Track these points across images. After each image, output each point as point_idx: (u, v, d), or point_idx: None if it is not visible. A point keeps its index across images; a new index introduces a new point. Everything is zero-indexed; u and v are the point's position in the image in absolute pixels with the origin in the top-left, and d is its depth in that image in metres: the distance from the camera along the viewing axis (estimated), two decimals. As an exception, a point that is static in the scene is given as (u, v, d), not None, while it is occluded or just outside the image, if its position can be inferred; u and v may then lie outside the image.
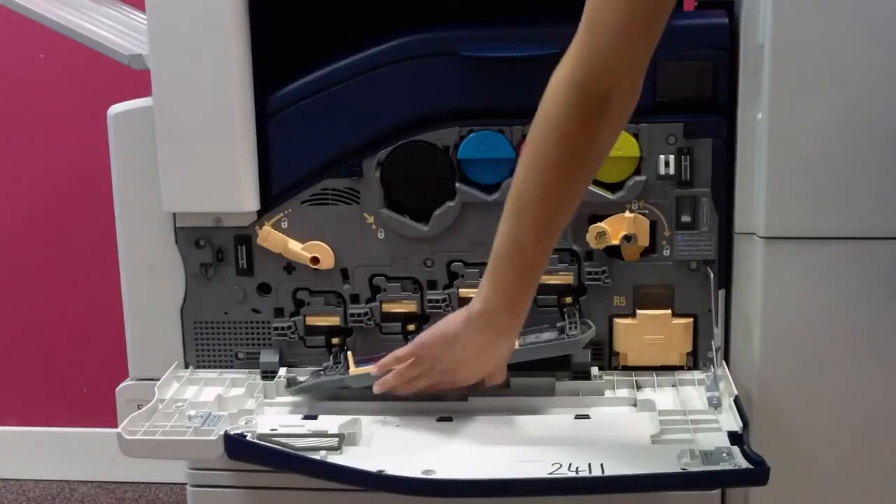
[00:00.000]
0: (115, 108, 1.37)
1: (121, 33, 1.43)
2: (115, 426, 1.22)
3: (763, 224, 1.28)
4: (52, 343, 2.26)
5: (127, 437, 1.19)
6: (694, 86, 1.30)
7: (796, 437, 1.32)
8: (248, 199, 1.34)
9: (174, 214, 1.37)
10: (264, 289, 1.39)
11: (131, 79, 1.39)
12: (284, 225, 1.36)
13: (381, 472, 1.15)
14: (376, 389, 1.27)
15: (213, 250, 1.38)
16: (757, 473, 1.11)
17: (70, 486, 2.27)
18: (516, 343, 1.26)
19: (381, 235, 1.36)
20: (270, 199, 1.36)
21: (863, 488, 1.33)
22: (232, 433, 1.20)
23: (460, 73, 1.29)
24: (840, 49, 1.23)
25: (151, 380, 1.35)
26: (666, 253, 1.33)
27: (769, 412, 1.31)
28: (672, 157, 1.30)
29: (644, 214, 1.32)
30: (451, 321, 1.21)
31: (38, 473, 2.31)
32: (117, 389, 1.41)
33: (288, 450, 1.19)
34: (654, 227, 1.32)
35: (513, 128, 1.31)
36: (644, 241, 1.32)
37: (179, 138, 1.32)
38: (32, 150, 2.17)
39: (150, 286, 1.40)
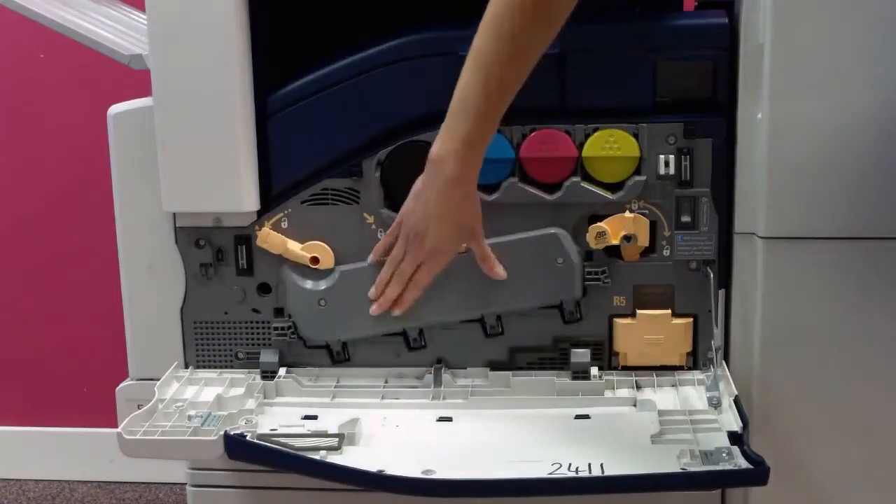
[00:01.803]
0: (115, 108, 1.37)
1: (121, 33, 1.43)
2: (115, 426, 1.22)
3: (763, 224, 1.28)
4: (52, 343, 2.26)
5: (127, 437, 1.20)
6: (694, 86, 1.30)
7: (796, 437, 1.32)
8: (248, 199, 1.34)
9: (174, 214, 1.37)
10: (264, 289, 1.39)
11: (131, 79, 1.40)
12: (284, 225, 1.36)
13: (381, 472, 1.15)
14: (374, 311, 1.33)
15: (213, 250, 1.38)
16: (757, 473, 1.11)
17: (70, 486, 2.27)
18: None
19: (381, 235, 1.36)
20: (270, 199, 1.36)
21: (863, 488, 1.33)
22: (232, 433, 1.20)
23: (460, 73, 1.29)
24: (840, 49, 1.23)
25: (151, 380, 1.35)
26: (666, 253, 1.33)
27: (769, 412, 1.31)
28: (672, 157, 1.30)
29: (644, 214, 1.32)
30: (416, 182, 1.25)
31: (38, 473, 2.31)
32: (117, 389, 1.41)
33: (288, 450, 1.19)
34: (654, 227, 1.32)
35: (512, 127, 1.31)
36: (644, 241, 1.32)
37: (179, 138, 1.32)
38: (32, 150, 2.17)
39: (150, 286, 1.40)
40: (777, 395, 1.31)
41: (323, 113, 1.33)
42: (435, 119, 1.31)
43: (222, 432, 1.19)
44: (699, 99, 1.30)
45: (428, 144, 1.32)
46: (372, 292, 1.33)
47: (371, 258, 1.33)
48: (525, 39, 1.15)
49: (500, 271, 1.31)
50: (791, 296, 1.29)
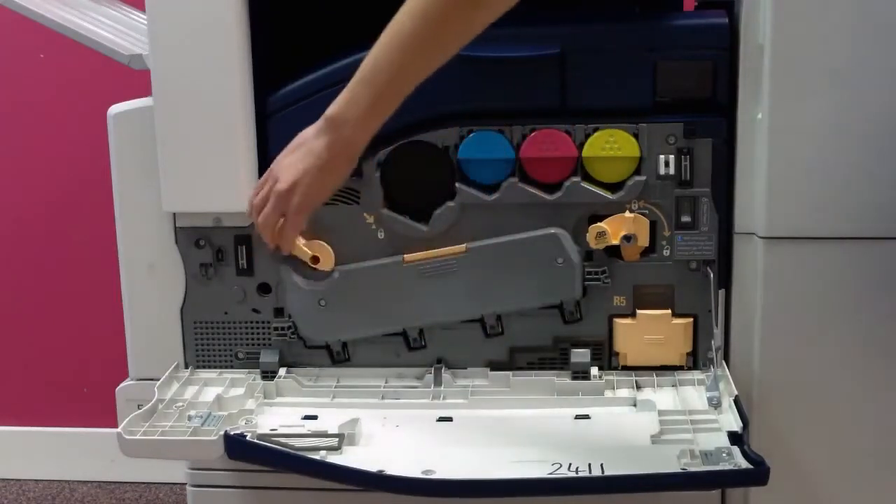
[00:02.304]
0: (115, 108, 1.37)
1: (121, 33, 1.43)
2: (115, 426, 1.22)
3: (763, 224, 1.28)
4: (52, 343, 2.26)
5: (127, 437, 1.20)
6: (694, 86, 1.30)
7: (796, 437, 1.32)
8: (247, 200, 1.34)
9: (174, 214, 1.37)
10: (264, 289, 1.39)
11: (131, 79, 1.40)
12: (284, 225, 1.36)
13: (380, 472, 1.15)
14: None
15: (213, 250, 1.38)
16: (757, 473, 1.11)
17: (70, 486, 2.27)
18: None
19: (381, 235, 1.36)
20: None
21: (862, 488, 1.33)
22: (231, 433, 1.20)
23: (460, 73, 1.29)
24: (840, 49, 1.23)
25: (151, 380, 1.35)
26: (666, 253, 1.33)
27: (769, 412, 1.31)
28: (672, 157, 1.30)
29: (644, 214, 1.32)
30: (298, 136, 1.23)
31: (38, 473, 2.31)
32: (117, 389, 1.41)
33: (288, 450, 1.19)
34: (653, 227, 1.32)
35: (513, 128, 1.31)
36: (644, 241, 1.32)
37: (179, 138, 1.32)
38: (32, 150, 2.17)
39: (150, 286, 1.40)
40: (777, 395, 1.31)
41: (323, 113, 1.33)
42: (435, 119, 1.31)
43: (222, 432, 1.19)
44: (699, 99, 1.30)
45: (428, 144, 1.32)
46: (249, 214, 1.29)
47: (249, 212, 1.28)
48: (450, 28, 1.16)
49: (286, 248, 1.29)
50: (791, 296, 1.29)
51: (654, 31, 1.30)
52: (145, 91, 1.33)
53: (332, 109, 1.20)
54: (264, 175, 1.26)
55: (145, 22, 1.31)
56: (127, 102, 1.37)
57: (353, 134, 1.19)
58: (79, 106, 2.12)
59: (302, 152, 1.21)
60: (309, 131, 1.22)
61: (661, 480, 1.13)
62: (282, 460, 1.20)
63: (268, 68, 1.34)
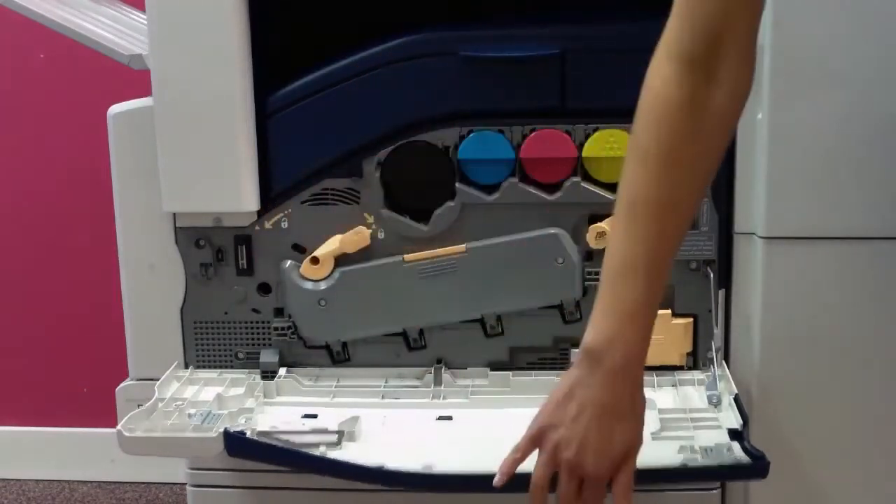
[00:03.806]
0: (115, 108, 1.37)
1: (121, 33, 1.43)
2: (115, 426, 1.22)
3: (763, 224, 1.28)
4: (52, 343, 2.26)
5: (126, 434, 1.20)
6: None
7: (796, 436, 1.32)
8: (248, 199, 1.34)
9: (174, 214, 1.37)
10: (264, 289, 1.39)
11: (131, 79, 1.39)
12: (284, 225, 1.36)
13: (380, 466, 1.15)
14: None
15: (213, 250, 1.38)
16: (757, 467, 1.12)
17: (70, 486, 2.27)
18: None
19: (381, 235, 1.36)
20: (270, 199, 1.36)
21: (862, 487, 1.33)
22: (232, 430, 1.20)
23: (460, 73, 1.29)
24: (840, 49, 1.23)
25: (151, 380, 1.35)
26: (666, 253, 1.33)
27: (769, 412, 1.31)
28: (672, 157, 1.30)
29: (644, 214, 1.32)
30: (563, 375, 0.99)
31: (38, 473, 2.31)
32: (117, 389, 1.41)
33: (287, 446, 1.19)
34: (654, 227, 1.32)
35: (513, 128, 1.31)
36: (644, 241, 1.32)
37: (179, 138, 1.32)
38: (32, 150, 2.17)
39: (150, 286, 1.40)
40: (777, 395, 1.31)
41: (323, 113, 1.33)
42: (435, 119, 1.31)
43: (222, 429, 1.19)
44: (699, 99, 1.29)
45: (428, 144, 1.32)
46: (496, 482, 1.04)
47: (498, 480, 1.03)
48: (683, 173, 0.93)
49: None
50: (791, 296, 1.29)
51: (654, 31, 1.30)
52: (145, 91, 1.33)
53: (588, 337, 0.96)
54: (523, 442, 1.02)
55: (145, 22, 1.31)
56: (127, 102, 1.37)
57: (626, 352, 0.95)
58: (79, 106, 2.12)
59: (574, 404, 0.96)
60: (573, 372, 0.97)
61: (662, 475, 1.13)
62: (281, 456, 1.20)
63: (268, 68, 1.34)
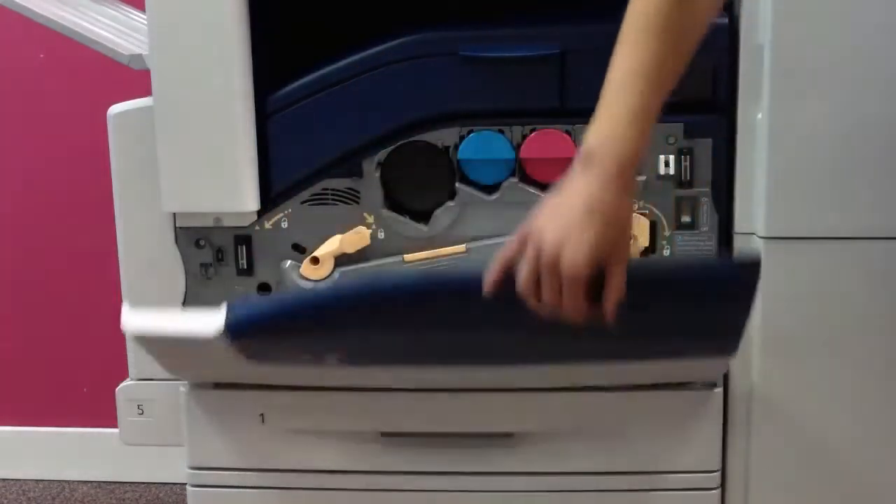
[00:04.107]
0: (115, 108, 1.37)
1: (121, 33, 1.43)
2: (115, 426, 1.22)
3: (763, 224, 1.28)
4: (52, 343, 2.26)
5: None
6: (694, 86, 1.29)
7: (796, 436, 1.32)
8: (248, 199, 1.34)
9: (174, 214, 1.37)
10: (264, 289, 1.39)
11: (131, 79, 1.39)
12: (284, 225, 1.36)
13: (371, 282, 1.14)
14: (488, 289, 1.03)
15: (213, 250, 1.38)
16: (749, 267, 1.08)
17: (70, 486, 2.27)
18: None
19: (381, 235, 1.36)
20: (270, 199, 1.36)
21: (862, 487, 1.33)
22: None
23: (460, 73, 1.29)
24: (840, 49, 1.23)
25: (151, 380, 1.35)
26: (666, 253, 1.33)
27: (769, 412, 1.31)
28: (672, 157, 1.30)
29: (644, 214, 1.32)
30: (551, 193, 1.01)
31: (38, 473, 2.31)
32: (117, 389, 1.41)
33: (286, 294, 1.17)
34: (654, 227, 1.32)
35: (513, 128, 1.31)
36: (644, 241, 1.32)
37: (179, 138, 1.32)
38: (32, 150, 2.17)
39: (150, 286, 1.39)
40: (777, 395, 1.31)
41: (323, 113, 1.33)
42: (435, 119, 1.31)
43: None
44: (699, 99, 1.30)
45: (428, 144, 1.32)
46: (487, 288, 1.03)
47: (487, 286, 1.03)
48: None
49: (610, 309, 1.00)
50: (791, 296, 1.29)
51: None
52: (145, 91, 1.33)
53: (585, 140, 0.99)
54: (516, 239, 1.02)
55: (145, 22, 1.31)
56: (127, 102, 1.37)
57: (618, 158, 0.97)
58: (79, 106, 2.12)
59: (563, 206, 0.98)
60: (567, 176, 1.00)
61: (653, 276, 1.07)
62: (283, 308, 1.17)
63: (268, 68, 1.34)
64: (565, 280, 0.96)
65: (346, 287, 1.15)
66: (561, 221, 0.97)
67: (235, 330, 1.16)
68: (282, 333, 1.18)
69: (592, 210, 0.96)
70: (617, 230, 0.98)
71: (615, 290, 0.98)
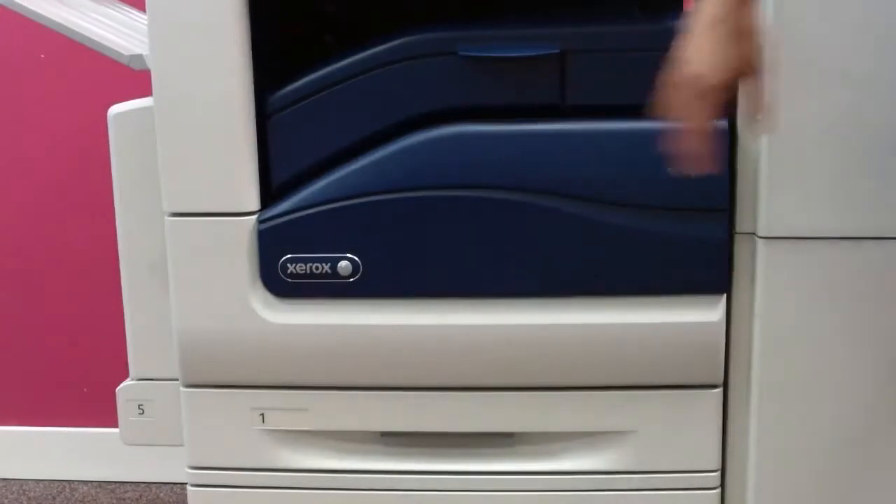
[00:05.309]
0: (115, 108, 1.37)
1: (121, 33, 1.43)
2: (115, 426, 1.22)
3: (763, 224, 1.28)
4: (52, 343, 2.26)
5: None
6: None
7: (797, 436, 1.32)
8: (248, 200, 1.34)
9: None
10: (264, 289, 1.39)
11: (131, 79, 1.39)
12: (284, 225, 1.36)
13: None
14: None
15: (213, 250, 1.38)
16: None
17: (70, 486, 2.27)
18: None
19: (381, 235, 1.36)
20: (270, 198, 1.36)
21: (862, 487, 1.33)
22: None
23: (460, 73, 1.29)
24: (840, 49, 1.23)
25: (151, 380, 1.35)
26: (666, 252, 1.33)
27: (769, 412, 1.31)
28: (672, 157, 1.30)
29: (644, 214, 1.32)
30: None
31: (38, 473, 2.31)
32: (117, 389, 1.41)
33: None
34: (654, 227, 1.32)
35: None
36: (644, 240, 1.32)
37: (179, 138, 1.32)
38: (32, 150, 2.17)
39: (150, 286, 1.39)
40: (777, 395, 1.31)
41: (323, 113, 1.33)
42: (436, 119, 1.31)
43: None
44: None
45: (428, 144, 1.32)
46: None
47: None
48: None
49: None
50: (791, 296, 1.29)
51: (654, 31, 1.30)
52: (145, 91, 1.33)
53: None
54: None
55: (145, 22, 1.31)
56: (127, 102, 1.37)
57: None
58: (79, 106, 2.12)
59: (693, 26, 1.05)
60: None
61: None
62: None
63: (268, 68, 1.34)
64: (693, 92, 1.04)
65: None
66: (690, 39, 1.04)
67: None
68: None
69: (714, 22, 1.03)
70: (742, 40, 1.04)
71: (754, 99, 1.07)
